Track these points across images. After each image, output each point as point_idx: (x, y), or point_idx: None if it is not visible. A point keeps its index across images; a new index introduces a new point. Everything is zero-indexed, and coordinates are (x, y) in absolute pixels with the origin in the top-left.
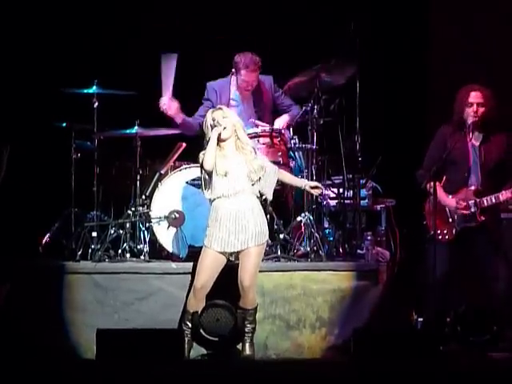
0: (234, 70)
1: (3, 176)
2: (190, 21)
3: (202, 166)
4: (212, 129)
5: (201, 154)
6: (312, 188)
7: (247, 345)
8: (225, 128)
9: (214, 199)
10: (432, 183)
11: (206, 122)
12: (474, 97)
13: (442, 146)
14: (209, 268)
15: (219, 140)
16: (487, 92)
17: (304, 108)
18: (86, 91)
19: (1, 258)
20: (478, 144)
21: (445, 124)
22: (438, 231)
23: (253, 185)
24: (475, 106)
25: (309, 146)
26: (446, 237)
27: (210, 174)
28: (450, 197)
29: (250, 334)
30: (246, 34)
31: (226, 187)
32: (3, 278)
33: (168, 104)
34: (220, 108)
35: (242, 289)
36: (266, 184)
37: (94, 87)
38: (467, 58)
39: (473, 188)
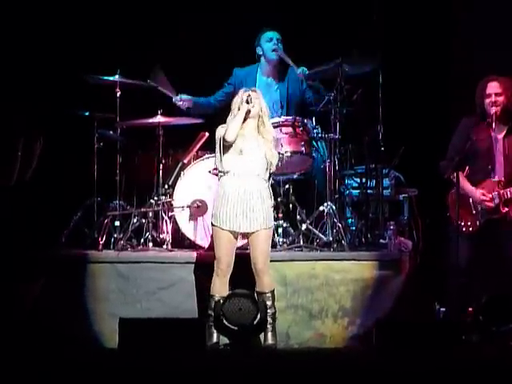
0: (258, 48)
1: (35, 168)
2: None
3: (222, 139)
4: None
5: (220, 127)
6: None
7: (269, 334)
8: (253, 106)
9: (222, 176)
10: (455, 174)
11: (238, 98)
12: (492, 87)
13: (465, 137)
14: (227, 248)
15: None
16: (505, 81)
17: (326, 97)
18: (108, 78)
19: (34, 253)
20: (501, 136)
21: (466, 116)
22: (462, 223)
23: (264, 169)
24: (493, 96)
25: (331, 135)
26: (470, 229)
27: (226, 147)
28: (474, 189)
29: (271, 323)
30: (269, 24)
31: (238, 164)
32: (37, 274)
33: (182, 103)
34: (254, 90)
35: (256, 272)
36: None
37: (117, 76)
38: (491, 47)
39: (496, 179)
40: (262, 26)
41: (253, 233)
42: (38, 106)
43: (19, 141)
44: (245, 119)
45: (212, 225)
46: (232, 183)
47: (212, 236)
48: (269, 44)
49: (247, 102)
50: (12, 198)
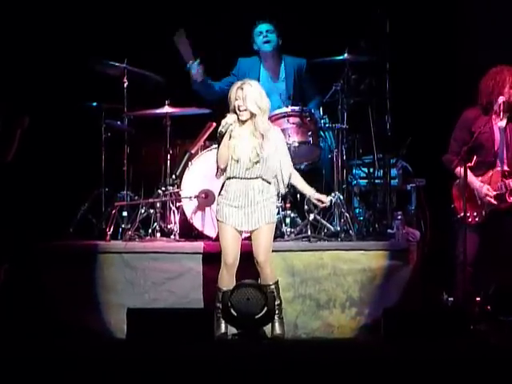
0: (254, 45)
1: (15, 152)
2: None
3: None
4: (234, 103)
5: (222, 122)
6: (318, 200)
7: (277, 324)
8: (245, 110)
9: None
10: (462, 166)
11: (231, 93)
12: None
13: (467, 131)
14: (233, 242)
15: (240, 121)
16: None
17: (334, 87)
18: (116, 65)
19: (4, 239)
20: (503, 126)
21: (468, 108)
22: (468, 214)
23: (264, 169)
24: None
25: (339, 125)
26: (476, 219)
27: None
28: (480, 179)
29: (278, 313)
30: (274, 15)
31: (237, 171)
32: (1, 259)
33: (197, 71)
34: (242, 88)
35: (259, 264)
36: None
37: (124, 65)
38: (496, 40)
39: (499, 169)
40: (271, 16)
41: (255, 229)
42: (31, 89)
43: None
44: (243, 122)
45: (217, 219)
46: (235, 186)
47: (219, 230)
48: (259, 37)
49: (235, 106)
50: None
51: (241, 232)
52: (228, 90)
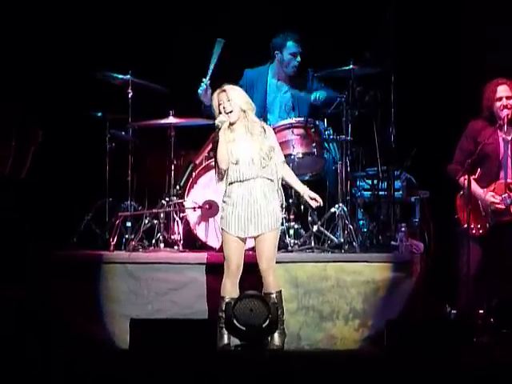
0: (277, 54)
1: (28, 168)
2: (227, 11)
3: (216, 161)
4: (219, 110)
5: (216, 123)
6: (311, 199)
7: (276, 335)
8: (231, 112)
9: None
10: (466, 177)
11: (213, 101)
12: (502, 91)
13: (473, 141)
14: (235, 250)
15: (229, 125)
16: None
17: (338, 99)
18: (120, 77)
19: (18, 257)
20: (509, 138)
21: (474, 119)
22: (472, 225)
23: (264, 167)
24: (504, 99)
25: (343, 137)
26: (480, 231)
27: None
28: (483, 191)
29: (280, 324)
30: (281, 25)
31: (237, 174)
32: (19, 278)
33: (204, 92)
34: (224, 90)
35: (262, 273)
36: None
37: (129, 76)
38: (502, 49)
39: (503, 181)
40: (278, 27)
41: (259, 235)
42: (35, 99)
43: (13, 128)
44: (232, 124)
45: (221, 228)
46: (236, 191)
47: (222, 238)
48: (292, 59)
49: (219, 111)
50: (5, 197)
51: (245, 239)
52: None
